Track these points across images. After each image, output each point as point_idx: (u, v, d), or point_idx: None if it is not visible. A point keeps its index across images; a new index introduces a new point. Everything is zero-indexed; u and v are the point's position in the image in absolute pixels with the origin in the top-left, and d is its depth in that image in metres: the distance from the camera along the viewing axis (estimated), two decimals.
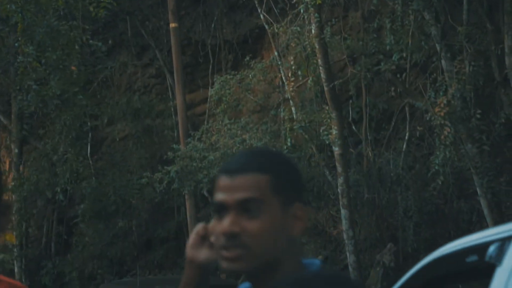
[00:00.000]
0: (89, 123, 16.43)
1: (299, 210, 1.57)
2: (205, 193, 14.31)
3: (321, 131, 11.43)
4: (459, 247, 2.29)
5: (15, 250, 15.94)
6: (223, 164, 1.62)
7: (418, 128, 11.89)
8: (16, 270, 16.18)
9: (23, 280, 16.27)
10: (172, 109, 15.78)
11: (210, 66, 15.96)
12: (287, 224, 1.55)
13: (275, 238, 1.54)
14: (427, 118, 10.71)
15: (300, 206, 1.57)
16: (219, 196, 1.56)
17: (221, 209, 1.56)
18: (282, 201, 1.55)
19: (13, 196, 16.08)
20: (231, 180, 1.55)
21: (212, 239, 1.62)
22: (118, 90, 17.01)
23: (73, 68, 11.69)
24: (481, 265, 2.07)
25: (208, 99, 14.22)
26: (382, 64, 11.46)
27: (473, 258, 2.13)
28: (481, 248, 2.09)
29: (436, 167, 10.19)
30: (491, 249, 2.05)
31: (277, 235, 1.54)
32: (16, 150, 16.21)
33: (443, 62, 10.61)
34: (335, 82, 11.27)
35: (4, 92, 16.42)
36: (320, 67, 11.07)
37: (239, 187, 1.54)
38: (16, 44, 10.96)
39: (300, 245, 1.63)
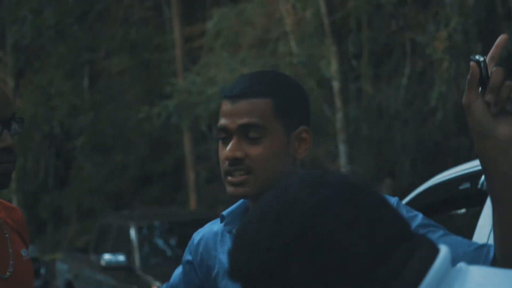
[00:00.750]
0: (85, 56, 16.24)
1: (304, 132, 1.58)
2: (204, 128, 14.25)
3: (321, 65, 11.29)
4: (453, 176, 2.29)
5: (13, 184, 16.00)
6: (226, 88, 1.61)
7: (419, 63, 11.74)
8: (14, 204, 16.28)
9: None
10: (170, 43, 15.57)
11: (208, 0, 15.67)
12: (292, 148, 1.57)
13: (279, 162, 1.55)
14: (428, 53, 10.54)
15: (305, 128, 1.58)
16: (222, 121, 1.57)
17: (225, 135, 1.57)
18: (285, 125, 1.56)
19: None
20: (233, 105, 1.56)
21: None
22: (115, 23, 16.76)
23: None
24: (474, 192, 2.05)
25: (206, 33, 14.01)
26: None
27: (466, 185, 2.13)
28: (474, 176, 2.07)
29: (434, 102, 10.08)
30: (484, 177, 2.02)
31: (281, 158, 1.56)
32: (12, 83, 16.09)
33: None
34: (336, 16, 11.06)
35: None
36: (320, 0, 10.85)
37: (240, 112, 1.55)
38: None
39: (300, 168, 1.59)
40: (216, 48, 13.04)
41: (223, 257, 1.63)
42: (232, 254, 0.93)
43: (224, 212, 1.64)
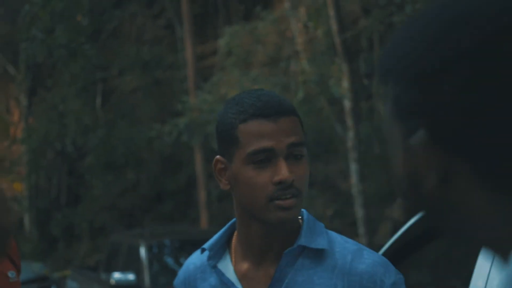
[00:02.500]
0: (98, 74, 16.34)
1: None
2: (215, 146, 14.26)
3: (331, 84, 11.28)
4: None
5: (25, 201, 16.04)
6: (247, 108, 1.50)
7: None
8: (26, 221, 16.32)
9: (33, 231, 16.41)
10: (182, 61, 15.63)
11: (220, 18, 15.74)
12: None
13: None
14: None
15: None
16: (265, 143, 1.47)
17: (264, 157, 1.48)
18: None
19: (23, 148, 16.12)
20: (276, 124, 1.48)
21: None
22: (127, 41, 16.86)
23: (78, 18, 11.56)
24: None
25: (218, 51, 14.06)
26: (394, 15, 11.23)
27: None
28: None
29: None
30: None
31: None
32: (25, 102, 16.18)
33: None
34: (347, 34, 11.07)
35: (12, 42, 16.30)
36: (332, 19, 10.86)
37: (286, 130, 1.48)
38: None
39: None
40: (227, 66, 13.07)
41: None
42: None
43: (206, 245, 1.58)
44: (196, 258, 1.64)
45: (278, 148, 1.47)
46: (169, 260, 8.38)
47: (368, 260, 1.49)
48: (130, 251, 8.43)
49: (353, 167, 11.39)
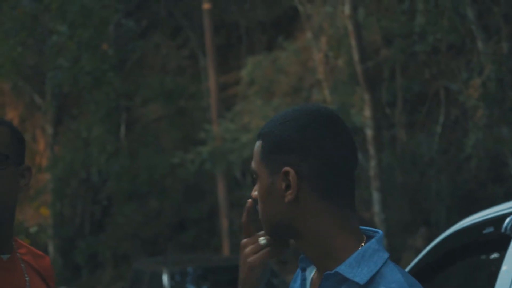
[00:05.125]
0: (122, 103, 16.54)
1: (285, 175, 1.48)
2: (237, 175, 14.32)
3: (352, 112, 11.32)
4: (477, 220, 2.29)
5: (50, 229, 16.17)
6: None
7: (453, 111, 11.71)
8: (50, 249, 16.43)
9: (57, 259, 16.52)
10: (205, 91, 15.79)
11: (243, 48, 15.90)
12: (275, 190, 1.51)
13: (269, 204, 1.52)
14: (462, 101, 10.52)
15: (287, 170, 1.47)
16: None
17: None
18: (270, 168, 1.50)
19: (48, 176, 16.29)
20: None
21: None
22: (152, 71, 17.07)
23: (104, 46, 11.76)
24: (497, 236, 2.05)
25: (240, 81, 14.19)
26: (416, 45, 11.29)
27: (489, 230, 2.13)
28: (498, 220, 2.08)
29: (469, 150, 10.02)
30: (507, 221, 2.04)
31: (271, 201, 1.51)
32: (51, 130, 16.40)
33: (479, 43, 10.40)
34: (369, 64, 11.14)
35: (38, 72, 16.59)
36: (354, 48, 10.95)
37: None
38: (50, 24, 11.05)
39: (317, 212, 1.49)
40: (250, 95, 13.18)
41: None
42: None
43: None
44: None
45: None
46: None
47: None
48: (153, 279, 8.47)
49: (376, 196, 11.37)
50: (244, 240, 1.57)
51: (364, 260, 1.44)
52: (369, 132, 11.39)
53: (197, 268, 8.61)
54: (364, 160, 12.09)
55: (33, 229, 7.25)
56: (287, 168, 1.46)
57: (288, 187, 1.46)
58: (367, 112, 11.22)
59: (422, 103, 12.98)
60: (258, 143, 1.53)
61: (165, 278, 8.18)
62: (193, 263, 9.01)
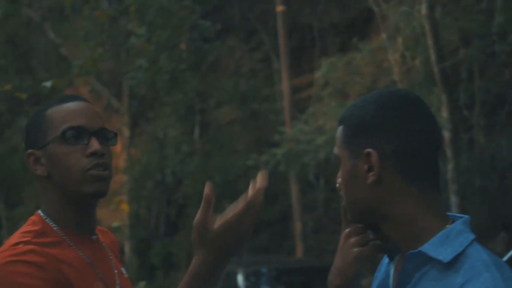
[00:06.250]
0: (197, 106, 16.72)
1: (367, 156, 1.48)
2: (311, 178, 14.25)
3: None
4: None
5: (126, 230, 16.48)
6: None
7: None
8: (127, 249, 16.75)
9: (133, 259, 16.82)
10: (278, 93, 15.79)
11: (316, 50, 15.84)
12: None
13: (352, 188, 1.52)
14: None
15: (369, 151, 1.47)
16: None
17: None
18: (352, 151, 1.51)
19: (125, 177, 16.61)
20: None
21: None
22: (225, 74, 17.21)
23: (182, 46, 11.91)
24: None
25: (314, 83, 14.14)
26: (495, 45, 11.01)
27: None
28: None
29: None
30: None
31: (354, 185, 1.51)
32: (127, 133, 16.72)
33: None
34: (446, 64, 10.91)
35: (116, 75, 16.94)
36: (430, 48, 10.75)
37: None
38: (129, 26, 11.27)
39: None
40: (324, 97, 13.11)
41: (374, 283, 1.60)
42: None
43: None
44: None
45: None
46: None
47: (479, 286, 1.35)
48: (228, 279, 8.51)
49: (453, 199, 11.13)
50: (347, 230, 1.55)
51: (449, 240, 1.43)
52: (446, 135, 11.15)
53: (271, 269, 8.61)
54: (441, 163, 11.85)
55: (115, 224, 7.39)
56: (368, 150, 1.46)
57: (370, 168, 1.46)
58: (444, 114, 11.00)
59: (501, 105, 12.64)
60: (339, 128, 1.55)
61: (240, 278, 8.21)
62: (267, 264, 9.01)
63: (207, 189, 1.68)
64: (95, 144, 1.75)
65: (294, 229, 14.64)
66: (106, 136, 1.80)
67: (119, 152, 17.75)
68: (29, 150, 1.80)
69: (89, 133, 1.76)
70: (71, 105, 1.78)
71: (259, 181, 1.66)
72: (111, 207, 16.01)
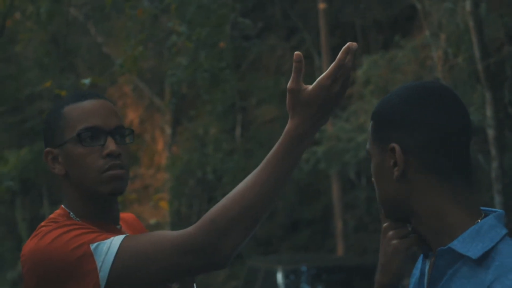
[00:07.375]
0: (238, 104, 16.75)
1: (392, 151, 1.49)
2: (352, 175, 14.16)
3: (471, 110, 10.94)
4: None
5: (167, 227, 16.59)
6: None
7: None
8: None
9: None
10: None
11: (358, 47, 15.72)
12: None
13: (382, 183, 1.53)
14: None
15: (393, 146, 1.47)
16: None
17: None
18: (380, 146, 1.52)
19: (166, 175, 16.73)
20: None
21: None
22: (267, 73, 17.20)
23: (221, 45, 11.93)
24: None
25: (356, 80, 14.04)
26: None
27: None
28: None
29: None
30: None
31: (384, 180, 1.52)
32: (169, 131, 16.84)
33: None
34: (490, 61, 10.72)
35: (157, 74, 17.08)
36: (474, 45, 10.58)
37: None
38: (169, 24, 11.33)
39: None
40: (365, 95, 13.01)
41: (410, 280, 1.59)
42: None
43: None
44: None
45: None
46: (306, 287, 8.35)
47: (508, 284, 1.32)
48: (267, 277, 8.50)
49: (497, 199, 10.94)
50: (386, 224, 1.54)
51: (479, 236, 1.39)
52: (490, 133, 10.96)
53: (311, 268, 8.56)
54: (485, 161, 11.66)
55: (152, 221, 7.44)
56: (393, 144, 1.46)
57: (395, 164, 1.46)
58: (489, 112, 10.81)
59: None
60: (370, 123, 1.56)
61: (279, 276, 8.19)
62: (307, 262, 8.97)
63: (296, 54, 1.71)
64: (111, 145, 1.76)
65: (335, 227, 14.56)
66: (122, 134, 1.80)
67: (161, 150, 17.90)
68: (47, 149, 1.82)
69: (105, 133, 1.76)
70: (87, 104, 1.78)
71: (346, 45, 1.72)
72: (151, 203, 16.15)
